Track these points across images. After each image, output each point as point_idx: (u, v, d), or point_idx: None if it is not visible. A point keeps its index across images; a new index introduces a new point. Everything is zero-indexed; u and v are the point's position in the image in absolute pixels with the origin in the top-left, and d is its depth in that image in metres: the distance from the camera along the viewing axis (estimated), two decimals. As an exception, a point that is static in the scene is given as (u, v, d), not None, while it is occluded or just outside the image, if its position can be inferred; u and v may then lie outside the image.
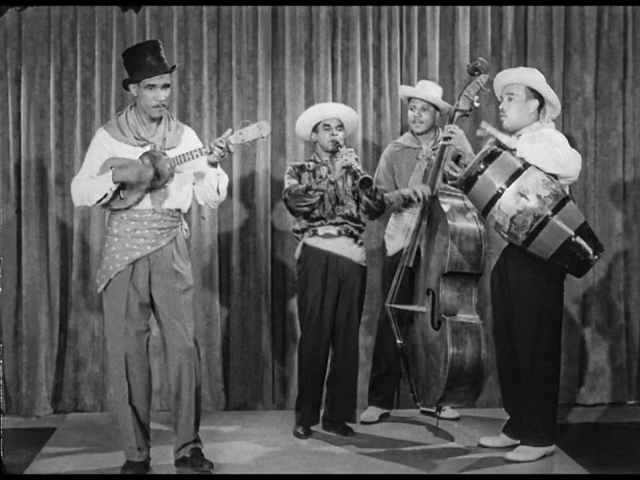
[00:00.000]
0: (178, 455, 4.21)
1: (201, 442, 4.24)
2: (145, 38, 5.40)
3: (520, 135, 4.35)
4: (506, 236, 4.24)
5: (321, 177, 4.74)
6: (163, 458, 4.30)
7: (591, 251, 4.11)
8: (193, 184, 4.25)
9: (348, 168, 4.61)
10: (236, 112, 5.48)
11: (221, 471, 4.20)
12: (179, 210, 4.20)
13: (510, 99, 4.37)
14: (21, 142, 5.38)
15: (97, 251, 5.39)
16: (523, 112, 4.36)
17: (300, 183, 4.76)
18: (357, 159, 4.67)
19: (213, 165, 4.10)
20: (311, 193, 4.66)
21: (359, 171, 4.52)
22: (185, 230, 4.26)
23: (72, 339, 5.43)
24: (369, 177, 4.51)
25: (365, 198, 4.72)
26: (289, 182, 4.79)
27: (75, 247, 5.42)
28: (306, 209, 4.71)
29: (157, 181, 4.06)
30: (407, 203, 4.93)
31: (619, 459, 4.48)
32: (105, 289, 4.13)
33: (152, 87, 4.05)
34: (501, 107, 4.42)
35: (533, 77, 4.39)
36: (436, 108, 5.01)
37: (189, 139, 4.21)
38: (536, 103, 4.37)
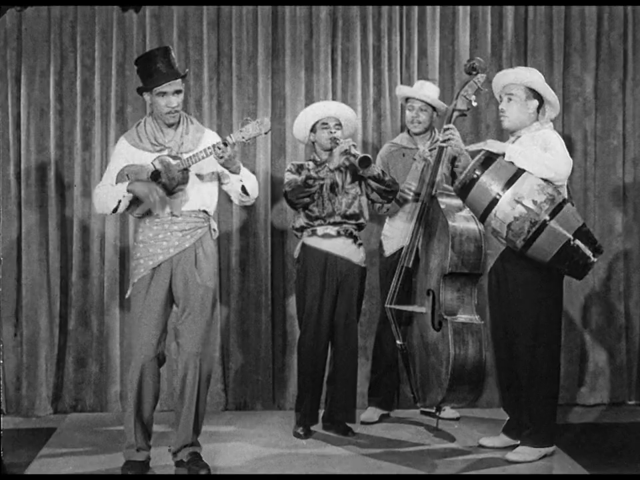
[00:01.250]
0: (176, 456, 4.20)
1: (200, 446, 4.22)
2: (145, 38, 5.41)
3: (519, 137, 4.35)
4: (504, 242, 4.23)
5: (322, 164, 4.72)
6: (164, 458, 4.30)
7: (590, 254, 4.09)
8: (221, 184, 4.25)
9: (346, 153, 4.60)
10: (236, 112, 5.49)
11: (221, 471, 4.20)
12: (204, 211, 4.20)
13: (509, 99, 4.35)
14: (20, 142, 5.38)
15: (96, 252, 5.40)
16: (522, 112, 4.35)
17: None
18: (354, 146, 4.64)
19: (232, 172, 4.12)
20: (310, 182, 4.64)
21: (356, 154, 4.53)
22: (214, 230, 4.25)
23: (72, 339, 5.43)
24: (368, 155, 4.51)
25: (374, 184, 4.71)
26: (288, 177, 4.78)
27: (75, 247, 5.42)
28: (306, 199, 4.69)
29: (168, 188, 4.07)
30: (401, 203, 4.95)
31: (619, 459, 4.48)
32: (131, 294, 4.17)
33: (163, 94, 4.06)
34: (500, 107, 4.41)
35: (532, 76, 4.37)
36: (434, 108, 5.00)
37: (208, 142, 4.16)
38: (535, 102, 4.36)
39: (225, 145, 4.02)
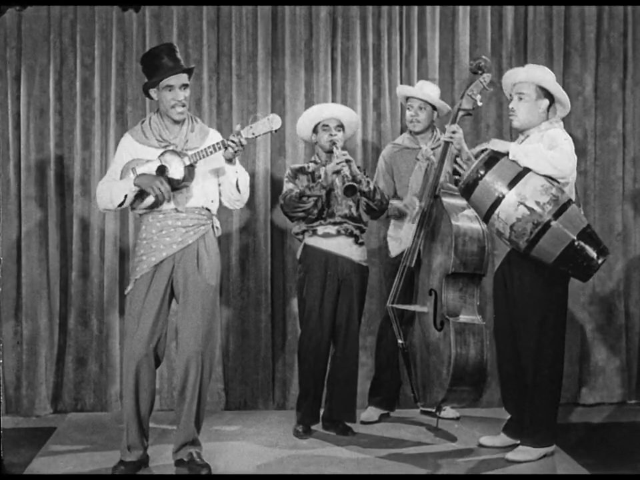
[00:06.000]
0: (176, 455, 4.19)
1: (200, 445, 4.21)
2: (144, 38, 5.42)
3: (528, 136, 4.32)
4: (507, 243, 4.21)
5: (319, 177, 4.74)
6: (163, 458, 4.30)
7: (594, 255, 4.04)
8: (219, 184, 4.24)
9: (338, 173, 4.61)
10: (236, 111, 5.49)
11: (221, 471, 4.20)
12: (207, 209, 4.19)
13: (520, 98, 4.31)
14: (20, 142, 5.38)
15: (96, 251, 5.40)
16: (532, 111, 4.30)
17: (297, 185, 4.76)
18: (349, 162, 4.61)
19: (229, 160, 4.10)
20: (304, 199, 4.66)
21: (346, 176, 4.52)
22: (217, 228, 4.24)
23: (72, 339, 5.43)
24: (353, 184, 4.46)
25: (363, 199, 4.72)
26: (286, 186, 4.80)
27: (75, 247, 5.42)
28: (301, 214, 4.72)
29: (173, 184, 4.06)
30: (400, 215, 4.95)
31: (619, 459, 4.49)
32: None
33: (170, 87, 4.07)
34: (510, 106, 4.36)
35: (543, 75, 4.32)
36: (433, 108, 5.00)
37: (213, 141, 4.15)
38: (546, 102, 4.31)
39: (240, 142, 4.01)
